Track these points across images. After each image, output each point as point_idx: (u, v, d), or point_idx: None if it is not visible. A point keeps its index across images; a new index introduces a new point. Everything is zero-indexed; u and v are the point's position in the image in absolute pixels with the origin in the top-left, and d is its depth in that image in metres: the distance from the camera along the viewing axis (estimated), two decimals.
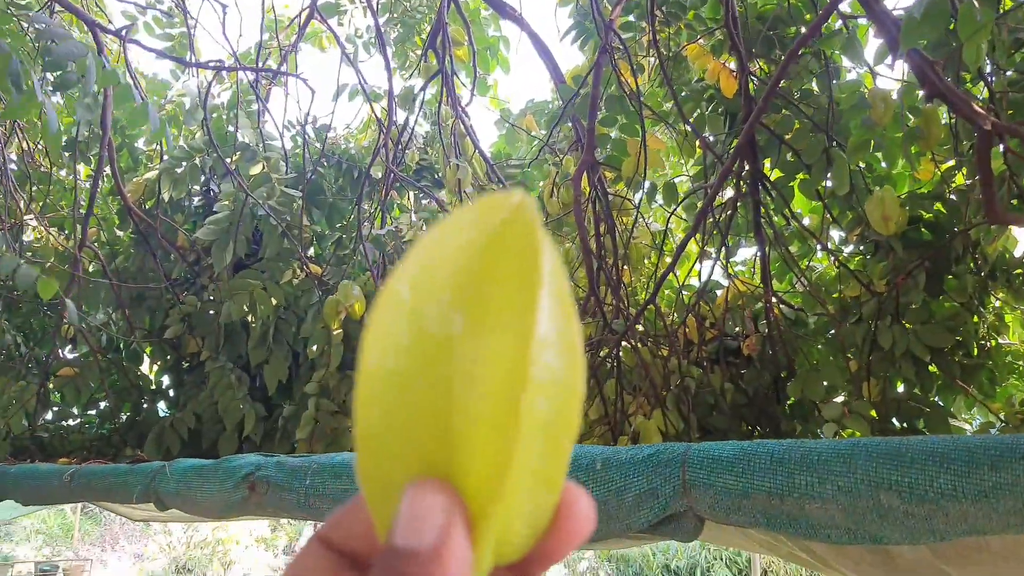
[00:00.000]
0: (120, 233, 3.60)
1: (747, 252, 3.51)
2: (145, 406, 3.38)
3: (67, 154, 3.39)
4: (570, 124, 3.49)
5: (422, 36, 3.34)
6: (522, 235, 0.26)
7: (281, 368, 3.00)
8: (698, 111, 2.67)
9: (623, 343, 2.79)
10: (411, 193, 3.53)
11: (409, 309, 0.27)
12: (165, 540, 14.26)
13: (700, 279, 3.26)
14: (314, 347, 2.88)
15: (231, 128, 3.00)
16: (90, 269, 3.36)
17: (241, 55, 3.30)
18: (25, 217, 3.27)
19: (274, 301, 2.90)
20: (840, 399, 2.72)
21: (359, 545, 0.31)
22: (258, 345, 3.00)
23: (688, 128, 2.65)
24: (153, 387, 3.48)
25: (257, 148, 2.97)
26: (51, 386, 3.25)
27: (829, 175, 2.55)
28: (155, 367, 3.57)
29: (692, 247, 3.15)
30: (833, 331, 2.82)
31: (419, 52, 3.17)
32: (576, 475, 1.29)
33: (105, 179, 3.46)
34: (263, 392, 3.11)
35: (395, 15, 3.37)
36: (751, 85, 2.59)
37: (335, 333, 2.87)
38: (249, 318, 2.97)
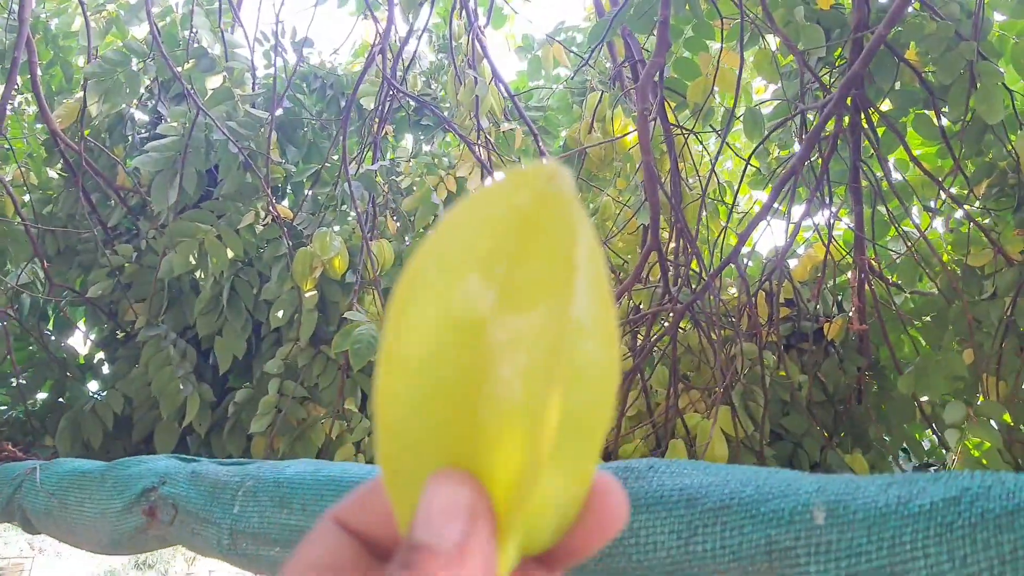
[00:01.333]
0: (52, 174, 2.94)
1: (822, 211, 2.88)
2: (69, 385, 2.72)
3: None
4: (606, 59, 2.86)
5: None
6: (557, 212, 0.24)
7: (237, 340, 2.35)
8: (789, 20, 2.03)
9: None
10: (410, 136, 2.88)
11: (435, 289, 0.25)
12: None
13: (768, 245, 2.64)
14: (279, 313, 2.24)
15: (186, 33, 2.34)
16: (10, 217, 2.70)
17: None
18: None
19: (230, 253, 2.25)
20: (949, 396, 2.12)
21: (380, 531, 0.29)
22: (208, 310, 2.35)
23: (778, 39, 2.01)
24: (81, 362, 2.82)
25: (216, 56, 2.32)
26: None
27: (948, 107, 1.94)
28: (90, 339, 2.91)
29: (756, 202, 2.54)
30: (940, 311, 2.21)
31: None
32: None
33: (28, 99, 2.81)
34: (214, 371, 2.46)
35: None
36: None
37: (307, 296, 2.24)
38: (198, 275, 2.33)
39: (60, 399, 2.71)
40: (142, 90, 2.48)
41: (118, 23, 2.54)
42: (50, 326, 2.91)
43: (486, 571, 0.24)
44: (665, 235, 2.29)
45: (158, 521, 1.06)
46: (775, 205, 2.40)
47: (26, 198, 2.78)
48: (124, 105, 2.45)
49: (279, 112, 2.49)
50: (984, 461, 2.01)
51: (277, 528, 0.92)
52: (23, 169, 2.86)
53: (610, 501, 0.27)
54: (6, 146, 2.64)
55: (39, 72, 2.59)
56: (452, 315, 0.24)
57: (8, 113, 2.79)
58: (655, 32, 1.78)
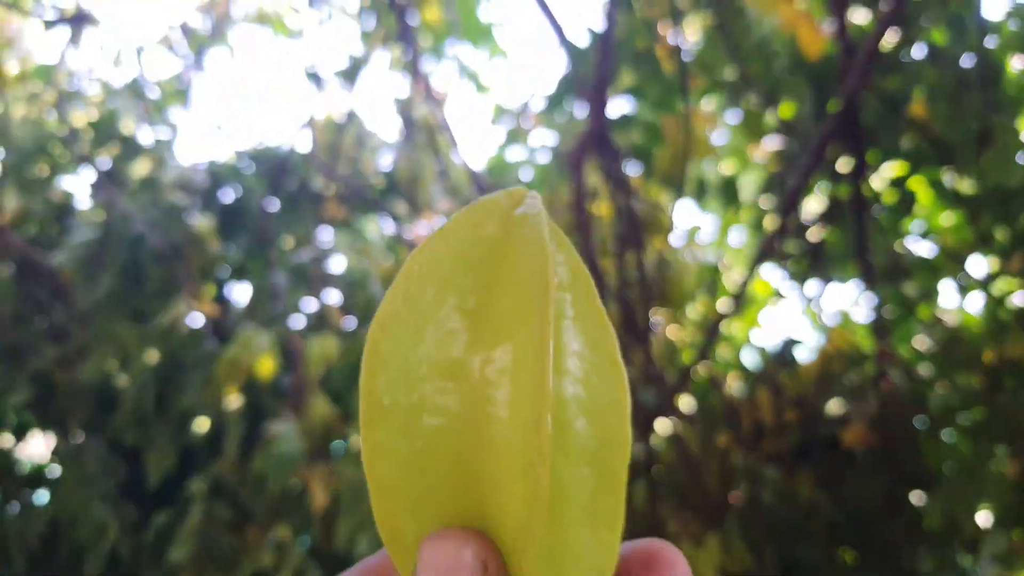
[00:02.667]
0: None
1: (840, 294, 2.50)
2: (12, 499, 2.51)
3: None
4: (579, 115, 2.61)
5: None
6: (526, 238, 0.24)
7: (167, 453, 2.09)
8: (765, 80, 1.74)
9: (658, 428, 1.83)
10: (375, 217, 2.65)
11: (408, 333, 0.24)
12: None
13: (769, 336, 2.31)
14: (202, 425, 1.99)
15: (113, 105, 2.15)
16: None
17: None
18: None
19: (155, 356, 2.02)
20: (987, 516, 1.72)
21: None
22: (134, 420, 2.11)
23: (755, 99, 1.72)
24: (27, 474, 2.61)
25: (139, 141, 2.13)
26: None
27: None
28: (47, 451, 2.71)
29: (760, 288, 2.20)
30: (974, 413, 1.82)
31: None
32: None
33: None
34: (143, 487, 2.21)
35: None
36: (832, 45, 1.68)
37: (232, 404, 1.98)
38: (123, 380, 2.10)
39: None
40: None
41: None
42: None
43: None
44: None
45: None
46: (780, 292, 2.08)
47: None
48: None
49: (228, 199, 2.30)
50: None
51: None
52: None
53: (663, 560, 0.24)
54: None
55: None
56: (428, 358, 0.24)
57: None
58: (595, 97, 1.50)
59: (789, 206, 1.67)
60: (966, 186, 1.67)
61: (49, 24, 2.07)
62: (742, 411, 1.92)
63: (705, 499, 1.79)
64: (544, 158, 2.39)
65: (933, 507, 1.58)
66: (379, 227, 2.60)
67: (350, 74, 2.05)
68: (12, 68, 2.30)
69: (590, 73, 1.71)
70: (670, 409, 1.72)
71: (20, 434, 2.73)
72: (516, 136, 2.62)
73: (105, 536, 2.01)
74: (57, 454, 2.54)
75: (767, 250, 1.79)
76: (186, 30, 2.48)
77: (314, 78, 2.36)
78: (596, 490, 0.23)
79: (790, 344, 2.03)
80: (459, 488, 0.23)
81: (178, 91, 2.49)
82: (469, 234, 0.24)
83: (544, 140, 2.46)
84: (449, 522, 0.23)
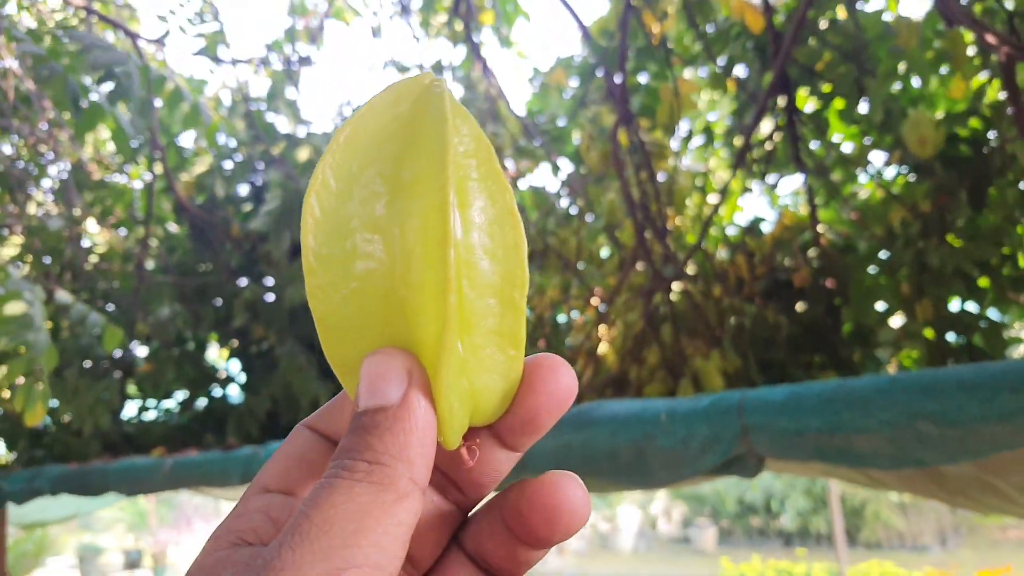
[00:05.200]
0: (173, 229, 3.75)
1: (790, 185, 3.50)
2: (217, 394, 3.55)
3: (118, 159, 3.53)
4: (601, 76, 3.51)
5: (444, 2, 3.36)
6: (432, 115, 0.27)
7: None
8: (727, 50, 2.66)
9: (675, 288, 2.84)
10: None
11: (335, 194, 0.28)
12: None
13: (743, 216, 3.27)
14: None
15: (269, 117, 3.08)
16: (151, 267, 3.52)
17: (275, 44, 3.38)
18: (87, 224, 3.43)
19: None
20: (896, 322, 2.74)
21: (341, 431, 0.32)
22: None
23: (718, 68, 2.65)
24: (223, 375, 3.65)
25: (297, 135, 3.06)
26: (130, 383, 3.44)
27: (864, 102, 2.55)
28: (223, 355, 3.73)
29: (735, 185, 3.16)
30: (883, 255, 2.83)
31: (443, 20, 3.20)
32: (644, 428, 1.36)
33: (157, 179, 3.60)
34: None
35: None
36: (775, 19, 2.57)
37: None
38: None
39: (211, 406, 3.54)
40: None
41: (226, 123, 3.32)
42: (193, 350, 3.74)
43: (428, 422, 0.27)
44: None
45: None
46: (748, 185, 3.04)
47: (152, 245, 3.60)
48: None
49: None
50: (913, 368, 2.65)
51: None
52: (152, 228, 3.68)
53: (556, 375, 0.30)
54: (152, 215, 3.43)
55: (166, 156, 3.38)
56: (356, 215, 0.28)
57: (139, 188, 3.61)
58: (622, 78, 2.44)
59: (749, 130, 2.60)
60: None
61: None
62: (728, 270, 2.92)
63: (708, 329, 2.80)
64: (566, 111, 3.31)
65: (848, 316, 2.59)
66: None
67: (435, 69, 2.94)
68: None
69: (609, 60, 2.64)
70: (682, 275, 2.71)
71: (202, 347, 3.76)
72: (547, 93, 3.52)
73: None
74: (240, 356, 3.54)
75: (738, 160, 2.74)
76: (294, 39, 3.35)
77: (397, 64, 3.26)
78: (501, 316, 0.28)
79: (756, 221, 3.02)
80: (389, 319, 0.28)
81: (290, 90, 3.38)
82: (387, 112, 0.29)
83: (570, 95, 3.38)
84: (382, 346, 0.28)
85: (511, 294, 0.28)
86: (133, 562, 12.12)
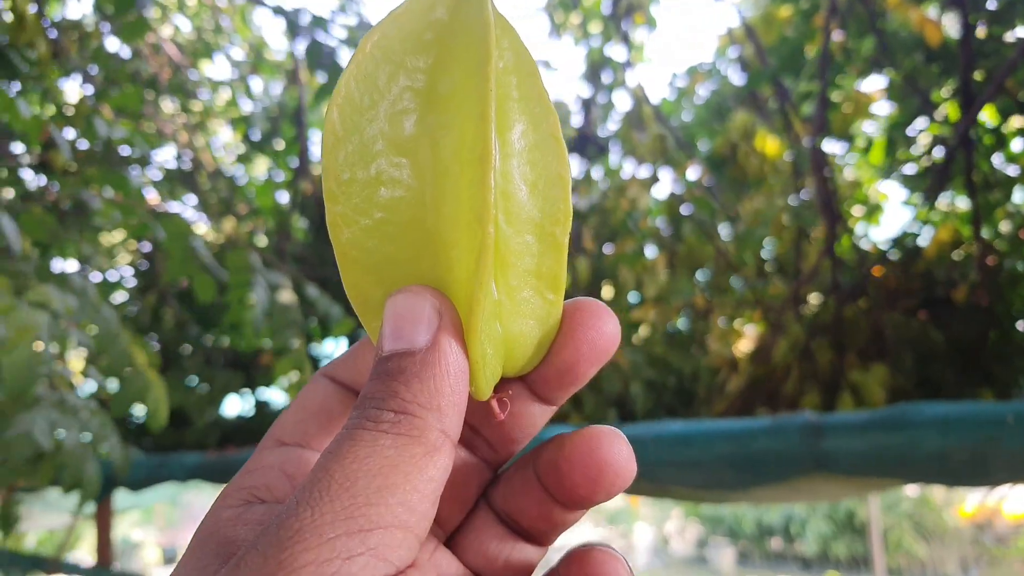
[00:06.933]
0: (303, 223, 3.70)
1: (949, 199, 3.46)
2: None
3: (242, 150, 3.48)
4: (735, 81, 3.47)
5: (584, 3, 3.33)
6: (472, 20, 0.24)
7: None
8: (905, 62, 2.63)
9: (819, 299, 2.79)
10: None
11: (360, 109, 0.25)
12: None
13: (891, 228, 3.22)
14: None
15: None
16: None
17: None
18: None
19: None
20: None
21: (363, 381, 0.29)
22: None
23: (897, 78, 2.61)
24: None
25: None
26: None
27: None
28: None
29: (886, 197, 3.12)
30: None
31: (580, 21, 3.18)
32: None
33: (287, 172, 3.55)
34: None
35: None
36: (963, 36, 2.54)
37: None
38: None
39: None
40: None
41: None
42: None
43: (460, 368, 0.25)
44: (817, 234, 2.91)
45: None
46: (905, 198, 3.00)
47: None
48: None
49: None
50: None
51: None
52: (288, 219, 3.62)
53: (598, 322, 0.27)
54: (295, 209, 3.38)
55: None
56: (383, 135, 0.25)
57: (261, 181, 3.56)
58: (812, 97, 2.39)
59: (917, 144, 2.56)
60: None
61: None
62: (886, 283, 2.87)
63: (878, 342, 2.75)
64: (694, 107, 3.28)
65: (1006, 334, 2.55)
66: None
67: (592, 72, 2.91)
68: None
69: (787, 65, 2.60)
70: (863, 286, 2.66)
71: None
72: (682, 98, 3.49)
73: None
74: None
75: (894, 172, 2.69)
76: None
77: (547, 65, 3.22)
78: (540, 256, 0.26)
79: (911, 236, 2.97)
80: (417, 253, 0.25)
81: None
82: (420, 18, 0.25)
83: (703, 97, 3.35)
84: (409, 284, 0.25)
85: (552, 231, 0.26)
86: (171, 558, 12.08)
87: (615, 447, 0.26)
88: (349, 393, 0.30)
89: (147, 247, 3.23)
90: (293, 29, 2.08)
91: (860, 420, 1.45)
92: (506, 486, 0.30)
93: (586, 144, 3.55)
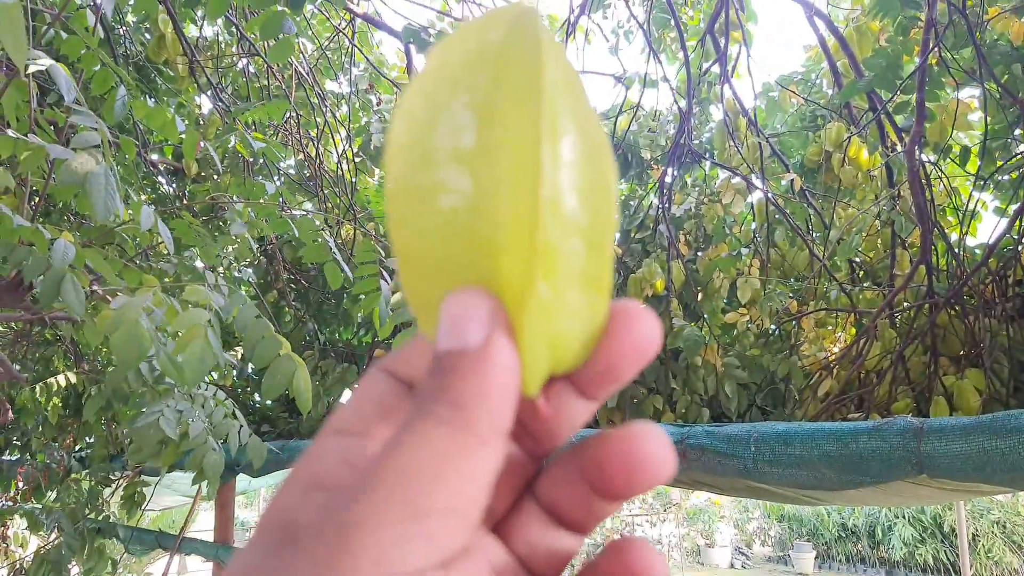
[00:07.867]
0: None
1: None
2: None
3: (359, 159, 3.71)
4: (831, 92, 3.54)
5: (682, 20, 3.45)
6: (525, 44, 0.26)
7: None
8: (1007, 74, 2.68)
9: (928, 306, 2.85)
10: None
11: (423, 123, 0.27)
12: None
13: (983, 235, 3.25)
14: None
15: None
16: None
17: None
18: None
19: None
20: None
21: (418, 375, 0.30)
22: None
23: (998, 88, 2.66)
24: None
25: None
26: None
27: None
28: None
29: (985, 204, 3.16)
30: None
31: (674, 37, 3.29)
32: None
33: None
34: None
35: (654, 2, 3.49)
36: None
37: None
38: None
39: None
40: None
41: None
42: None
43: (511, 366, 0.26)
44: (912, 241, 2.97)
45: (687, 460, 1.88)
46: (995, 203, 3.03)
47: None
48: None
49: None
50: None
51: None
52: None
53: (640, 323, 0.28)
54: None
55: None
56: (443, 147, 0.26)
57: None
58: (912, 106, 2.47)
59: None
60: None
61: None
62: (982, 290, 2.91)
63: (974, 348, 2.80)
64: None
65: None
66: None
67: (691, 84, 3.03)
68: None
69: (882, 80, 2.68)
70: (960, 293, 2.71)
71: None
72: (774, 108, 3.58)
73: None
74: None
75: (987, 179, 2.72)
76: None
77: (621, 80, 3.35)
78: (587, 259, 0.27)
79: (1006, 243, 3.00)
80: (472, 257, 0.26)
81: None
82: (477, 39, 0.27)
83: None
84: (464, 285, 0.26)
85: (598, 236, 0.27)
86: None
87: (655, 444, 0.28)
88: (405, 387, 0.30)
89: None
90: (419, 43, 2.25)
91: (963, 424, 1.49)
92: (549, 478, 0.31)
93: (681, 153, 3.68)
